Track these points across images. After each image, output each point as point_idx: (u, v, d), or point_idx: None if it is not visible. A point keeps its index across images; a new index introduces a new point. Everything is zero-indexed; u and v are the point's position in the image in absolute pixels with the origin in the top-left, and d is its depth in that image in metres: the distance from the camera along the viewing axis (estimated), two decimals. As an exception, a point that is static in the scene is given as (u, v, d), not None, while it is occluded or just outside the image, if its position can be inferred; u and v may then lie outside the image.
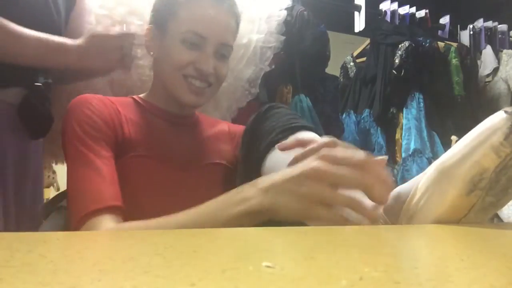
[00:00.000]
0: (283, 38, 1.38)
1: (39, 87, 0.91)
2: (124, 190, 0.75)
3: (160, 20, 0.88)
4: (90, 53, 0.91)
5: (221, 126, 0.98)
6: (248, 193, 0.58)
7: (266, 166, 0.74)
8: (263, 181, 0.58)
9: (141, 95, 0.93)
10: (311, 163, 0.55)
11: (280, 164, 0.66)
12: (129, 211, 0.70)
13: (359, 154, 0.55)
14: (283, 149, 0.68)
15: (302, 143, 0.64)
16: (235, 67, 1.27)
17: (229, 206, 0.59)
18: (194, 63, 0.83)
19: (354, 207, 0.54)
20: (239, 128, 0.96)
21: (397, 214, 0.61)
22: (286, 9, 1.41)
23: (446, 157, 0.56)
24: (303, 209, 0.54)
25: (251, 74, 1.32)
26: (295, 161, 0.59)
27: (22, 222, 0.94)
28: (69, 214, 0.72)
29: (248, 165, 0.78)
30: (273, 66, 1.37)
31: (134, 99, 0.91)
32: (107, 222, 0.67)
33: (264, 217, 0.57)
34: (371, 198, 0.54)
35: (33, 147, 0.97)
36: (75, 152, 0.74)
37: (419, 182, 0.58)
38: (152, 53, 0.90)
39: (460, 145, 0.55)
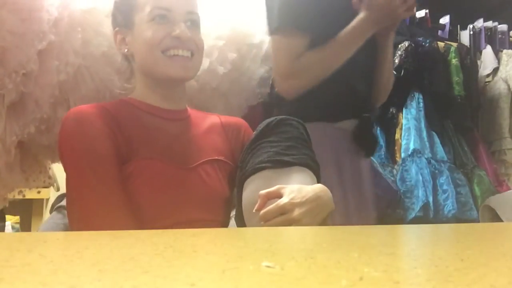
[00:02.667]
0: None
1: (367, 117, 1.18)
2: (128, 192, 0.76)
3: (123, 18, 0.90)
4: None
5: (213, 119, 0.97)
6: None
7: (245, 191, 0.78)
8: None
9: (131, 96, 0.93)
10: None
11: (254, 198, 0.71)
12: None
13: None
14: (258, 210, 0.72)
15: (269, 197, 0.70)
16: (248, 67, 1.29)
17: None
18: (169, 33, 0.84)
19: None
20: (231, 120, 0.98)
21: None
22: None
23: None
24: None
25: (263, 74, 1.33)
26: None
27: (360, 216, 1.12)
28: (71, 223, 0.74)
29: (240, 173, 0.83)
30: None
31: (125, 100, 0.90)
32: None
33: None
34: None
35: (364, 163, 1.21)
36: (80, 176, 0.76)
37: None
38: (126, 50, 0.90)
39: None
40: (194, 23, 0.88)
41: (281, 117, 0.84)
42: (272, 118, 0.84)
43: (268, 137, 0.81)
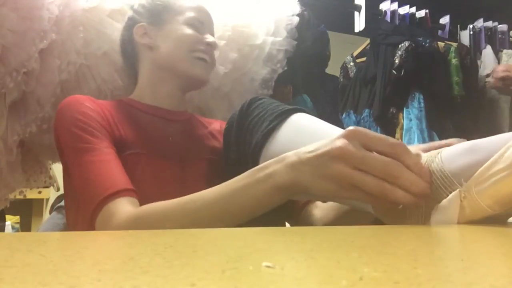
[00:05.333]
0: (295, 43, 1.40)
1: None
2: None
3: (152, 15, 0.95)
4: None
5: (214, 125, 0.99)
6: (273, 169, 0.56)
7: (266, 159, 0.66)
8: (289, 156, 0.56)
9: (128, 97, 0.94)
10: (338, 142, 0.51)
11: (285, 151, 0.60)
12: None
13: (392, 140, 0.51)
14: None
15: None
16: (251, 68, 1.29)
17: (255, 183, 0.56)
18: (202, 39, 0.93)
19: (387, 193, 0.50)
20: None
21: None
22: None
23: None
24: (334, 189, 0.52)
25: (265, 75, 1.34)
26: None
27: None
28: (82, 206, 0.70)
29: (242, 163, 0.74)
30: (285, 68, 1.39)
31: (123, 100, 0.91)
32: (125, 205, 0.65)
33: (295, 193, 0.56)
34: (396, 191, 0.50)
35: None
36: (75, 150, 0.74)
37: (501, 149, 0.49)
38: (149, 42, 0.94)
39: None
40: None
41: (249, 98, 0.80)
42: (241, 104, 0.79)
43: (252, 114, 0.76)
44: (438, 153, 0.54)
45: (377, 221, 0.61)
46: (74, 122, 0.76)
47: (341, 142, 0.51)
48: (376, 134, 0.52)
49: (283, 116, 0.71)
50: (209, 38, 0.94)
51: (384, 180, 0.49)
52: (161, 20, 0.94)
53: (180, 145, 0.87)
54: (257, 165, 0.68)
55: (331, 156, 0.51)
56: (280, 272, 0.25)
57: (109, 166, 0.71)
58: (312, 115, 0.74)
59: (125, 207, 0.65)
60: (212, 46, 0.94)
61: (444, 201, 0.51)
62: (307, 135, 0.58)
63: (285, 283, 0.23)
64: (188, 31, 0.92)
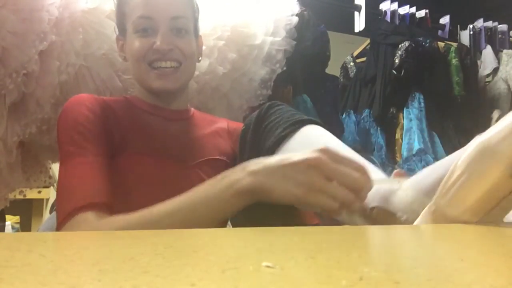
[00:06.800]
0: (294, 43, 1.40)
1: None
2: (122, 188, 0.75)
3: (119, 26, 0.91)
4: None
5: (220, 123, 0.97)
6: (236, 176, 0.60)
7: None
8: (253, 165, 0.60)
9: (134, 94, 0.94)
10: (313, 153, 0.57)
11: None
12: (127, 208, 0.70)
13: (358, 162, 0.59)
14: None
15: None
16: (249, 68, 1.29)
17: (218, 192, 0.60)
18: (151, 46, 0.83)
19: (350, 203, 0.56)
20: (239, 125, 0.96)
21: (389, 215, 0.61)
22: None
23: (491, 134, 0.51)
24: (301, 195, 0.56)
25: (264, 75, 1.34)
26: None
27: None
28: (57, 211, 0.72)
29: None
30: (284, 68, 1.39)
31: (127, 98, 0.91)
32: (90, 219, 0.67)
33: (256, 198, 0.59)
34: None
35: None
36: (65, 151, 0.75)
37: (457, 159, 0.53)
38: (124, 56, 0.92)
39: (506, 121, 0.50)
40: (179, 30, 0.86)
41: (269, 102, 0.82)
42: (260, 108, 0.82)
43: (269, 119, 0.79)
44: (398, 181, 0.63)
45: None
46: (73, 125, 0.77)
47: (317, 154, 0.57)
48: (345, 154, 0.59)
49: (297, 125, 0.75)
50: (157, 42, 0.83)
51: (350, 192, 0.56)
52: (124, 31, 0.89)
53: (182, 144, 0.87)
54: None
55: (308, 164, 0.56)
56: (280, 272, 0.25)
57: (88, 176, 0.72)
58: (325, 129, 0.77)
59: (89, 222, 0.66)
60: (161, 51, 0.83)
61: (418, 220, 0.56)
62: (315, 147, 0.62)
63: (285, 283, 0.23)
64: (136, 43, 0.84)
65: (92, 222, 0.66)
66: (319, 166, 0.56)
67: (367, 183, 0.58)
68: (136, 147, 0.81)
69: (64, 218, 0.68)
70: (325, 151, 0.58)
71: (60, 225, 0.68)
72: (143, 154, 0.81)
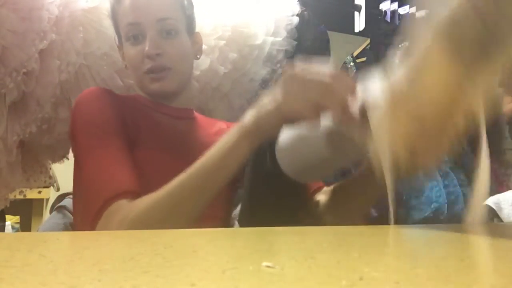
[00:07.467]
0: (295, 43, 1.40)
1: None
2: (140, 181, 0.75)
3: (117, 35, 0.91)
4: None
5: (220, 125, 0.99)
6: (237, 125, 0.66)
7: (280, 145, 0.70)
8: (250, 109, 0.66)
9: (138, 93, 0.94)
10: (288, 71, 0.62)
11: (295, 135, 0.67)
12: None
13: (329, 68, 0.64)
14: None
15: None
16: (250, 68, 1.29)
17: (227, 139, 0.65)
18: (142, 52, 0.83)
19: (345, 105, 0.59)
20: None
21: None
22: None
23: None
24: (302, 106, 0.59)
25: (265, 75, 1.34)
26: None
27: None
28: (87, 205, 0.72)
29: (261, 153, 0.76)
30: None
31: (133, 96, 0.92)
32: (124, 206, 0.67)
33: (261, 135, 0.65)
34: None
35: None
36: (86, 145, 0.75)
37: None
38: (126, 64, 0.92)
39: None
40: (169, 32, 0.85)
41: None
42: None
43: None
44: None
45: (377, 221, 0.61)
46: (90, 118, 0.77)
47: (290, 71, 0.63)
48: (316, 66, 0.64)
49: None
50: (146, 47, 0.82)
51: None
52: (121, 39, 0.89)
53: (189, 143, 0.88)
54: (274, 154, 0.73)
55: (289, 76, 0.62)
56: (280, 272, 0.25)
57: (116, 165, 0.72)
58: None
59: (124, 207, 0.67)
60: (150, 57, 0.83)
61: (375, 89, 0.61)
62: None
63: (285, 283, 0.23)
64: (130, 52, 0.85)
65: (125, 208, 0.67)
66: (297, 76, 0.61)
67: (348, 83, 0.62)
68: (150, 143, 0.81)
69: (98, 211, 0.67)
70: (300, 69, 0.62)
71: (95, 218, 0.67)
72: (158, 150, 0.81)
